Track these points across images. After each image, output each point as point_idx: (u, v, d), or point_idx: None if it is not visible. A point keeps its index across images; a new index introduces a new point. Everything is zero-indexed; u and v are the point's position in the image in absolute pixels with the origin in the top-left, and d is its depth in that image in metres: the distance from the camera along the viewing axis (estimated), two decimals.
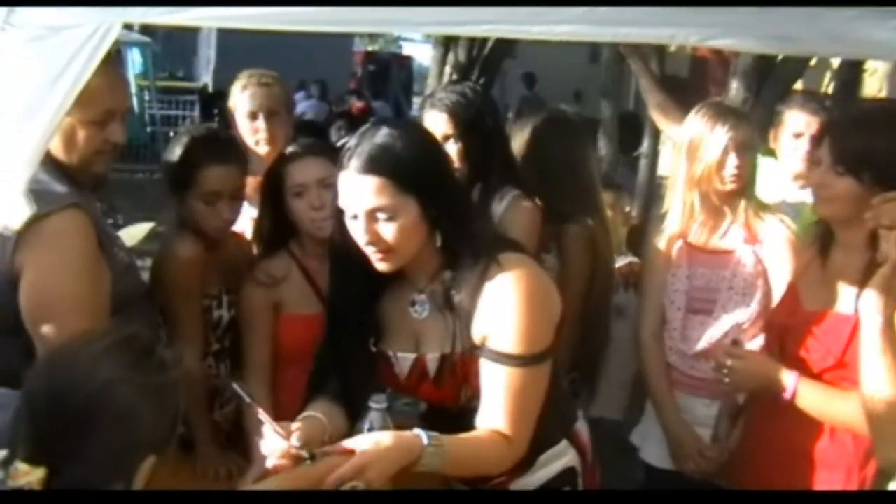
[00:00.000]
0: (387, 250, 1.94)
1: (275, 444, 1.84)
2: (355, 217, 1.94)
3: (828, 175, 2.21)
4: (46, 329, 2.04)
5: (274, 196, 2.57)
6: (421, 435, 1.85)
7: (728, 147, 2.76)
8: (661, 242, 2.90)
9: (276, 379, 2.56)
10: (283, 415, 2.35)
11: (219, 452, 2.51)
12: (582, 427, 2.30)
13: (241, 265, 2.67)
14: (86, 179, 2.25)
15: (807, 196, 3.14)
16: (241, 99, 3.19)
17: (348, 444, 1.83)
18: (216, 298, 2.60)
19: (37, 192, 2.04)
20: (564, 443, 2.20)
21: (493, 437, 1.95)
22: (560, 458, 2.18)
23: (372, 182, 1.89)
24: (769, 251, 2.76)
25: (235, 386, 1.97)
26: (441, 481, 2.03)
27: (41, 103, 1.81)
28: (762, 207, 2.85)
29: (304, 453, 1.82)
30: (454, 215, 1.99)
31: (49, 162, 2.11)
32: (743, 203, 2.81)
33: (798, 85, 6.12)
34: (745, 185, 2.80)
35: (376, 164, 1.90)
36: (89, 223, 2.12)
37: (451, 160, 2.34)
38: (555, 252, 3.10)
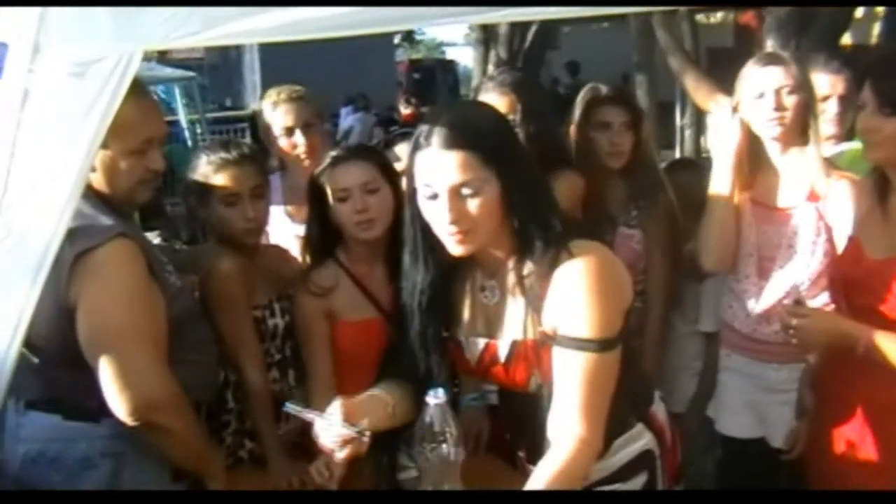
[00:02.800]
0: (468, 229, 1.89)
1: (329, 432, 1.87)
2: (435, 196, 1.89)
3: (874, 118, 2.17)
4: (106, 358, 2.07)
5: (318, 203, 2.58)
6: None
7: (766, 88, 2.67)
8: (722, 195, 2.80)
9: (339, 385, 2.55)
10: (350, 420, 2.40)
11: (291, 464, 2.52)
12: (658, 408, 2.25)
13: (286, 273, 2.70)
14: (130, 210, 2.29)
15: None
16: (275, 116, 3.20)
17: None
18: (267, 308, 2.63)
19: (84, 227, 2.10)
20: (640, 426, 2.15)
21: (577, 452, 1.89)
22: (636, 442, 2.13)
23: (456, 157, 1.85)
24: (833, 208, 2.67)
25: (289, 406, 1.99)
26: None
27: (75, 138, 1.84)
28: (825, 163, 2.75)
29: (354, 429, 1.85)
30: (531, 196, 1.96)
31: (92, 196, 2.15)
32: (803, 158, 2.71)
33: (846, 39, 5.92)
34: (797, 134, 2.69)
35: (459, 139, 1.86)
36: (138, 251, 2.16)
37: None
38: (640, 227, 3.12)
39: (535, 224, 1.94)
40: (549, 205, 2.02)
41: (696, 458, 3.01)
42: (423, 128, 1.91)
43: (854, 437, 2.33)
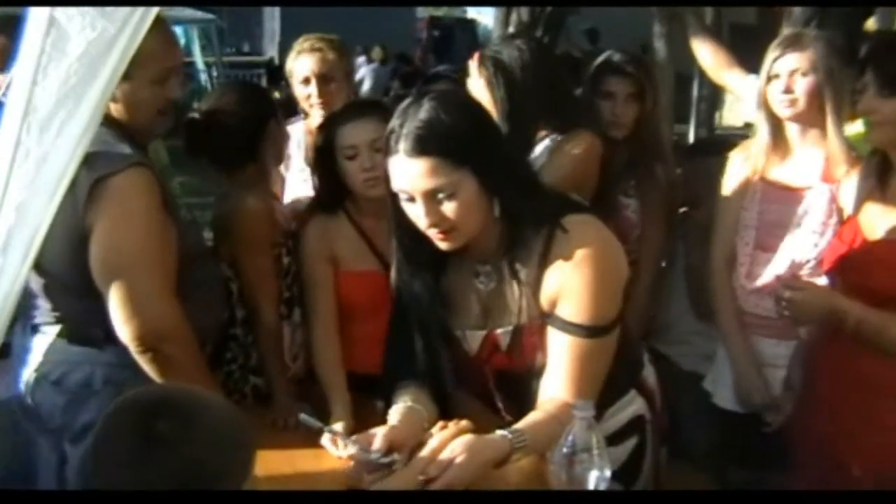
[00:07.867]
0: (450, 229, 1.89)
1: (359, 458, 1.84)
2: (412, 200, 1.87)
3: (875, 100, 2.22)
4: (117, 285, 2.09)
5: (326, 158, 2.56)
6: (506, 436, 1.83)
7: (780, 70, 2.67)
8: (736, 177, 2.83)
9: (344, 334, 2.57)
10: (356, 367, 2.43)
11: (294, 404, 2.52)
12: (649, 373, 2.28)
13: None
14: (147, 140, 2.32)
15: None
16: (295, 65, 3.21)
17: (438, 441, 1.81)
18: (284, 246, 2.62)
19: (103, 154, 2.10)
20: (632, 392, 2.18)
21: (565, 412, 1.89)
22: (628, 407, 2.17)
23: (424, 164, 1.82)
24: (846, 189, 2.63)
25: (303, 417, 2.00)
26: None
27: (97, 69, 1.87)
28: (846, 146, 2.70)
29: (386, 459, 1.80)
30: (512, 181, 1.93)
31: (113, 124, 2.17)
32: (822, 139, 2.70)
33: (871, 23, 5.86)
34: (813, 114, 2.68)
35: (425, 145, 1.82)
36: (154, 181, 2.18)
37: (497, 125, 2.29)
38: (636, 197, 3.15)
39: (520, 208, 1.92)
40: (533, 185, 2.00)
41: None
42: (393, 128, 1.87)
43: (840, 415, 2.35)
